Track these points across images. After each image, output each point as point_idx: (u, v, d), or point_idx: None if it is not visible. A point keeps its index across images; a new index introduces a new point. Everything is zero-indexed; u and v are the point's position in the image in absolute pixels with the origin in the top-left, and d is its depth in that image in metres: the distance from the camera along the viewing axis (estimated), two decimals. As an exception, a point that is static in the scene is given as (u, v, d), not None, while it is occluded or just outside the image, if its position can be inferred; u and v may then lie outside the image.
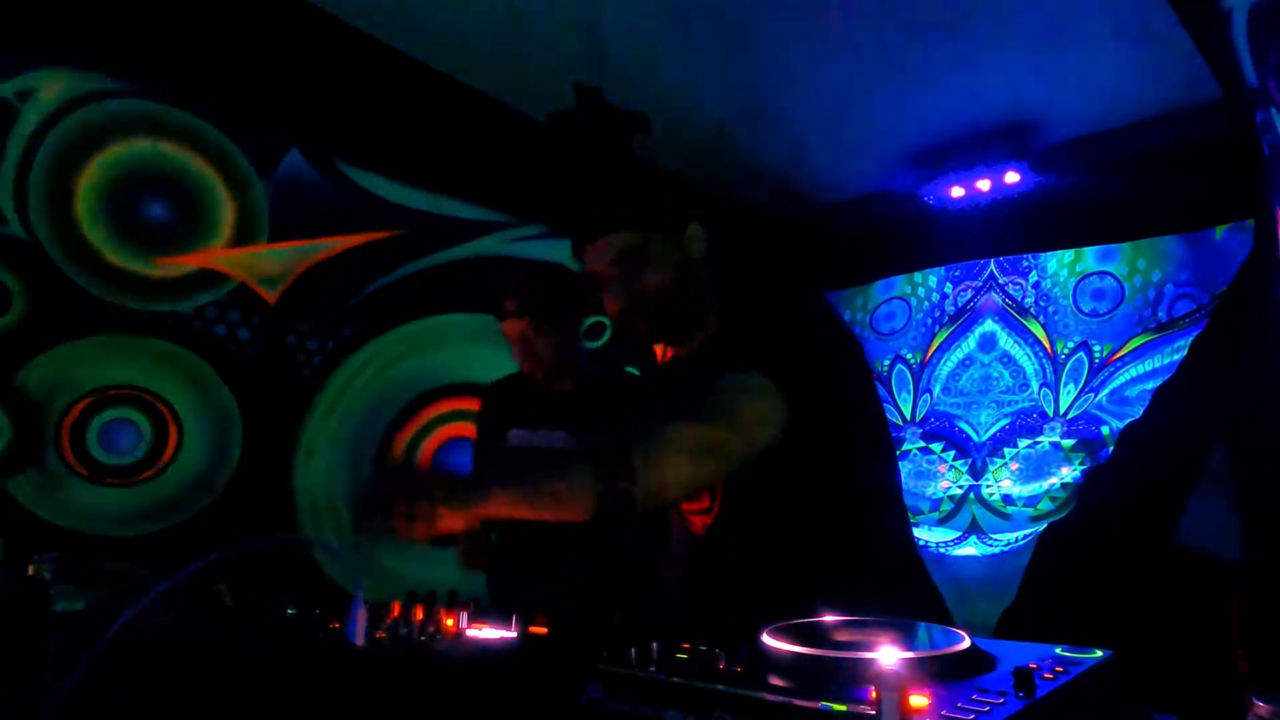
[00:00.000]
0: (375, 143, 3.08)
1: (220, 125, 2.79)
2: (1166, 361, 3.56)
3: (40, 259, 2.53)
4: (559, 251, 3.82)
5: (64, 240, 2.57)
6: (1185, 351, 3.51)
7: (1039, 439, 3.88)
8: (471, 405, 3.49)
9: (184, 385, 2.83)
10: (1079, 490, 3.73)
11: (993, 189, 3.76)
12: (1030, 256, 4.06)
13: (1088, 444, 3.75)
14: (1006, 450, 3.98)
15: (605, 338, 4.09)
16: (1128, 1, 2.70)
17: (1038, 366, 3.97)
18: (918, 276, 4.46)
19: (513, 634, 1.16)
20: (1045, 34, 2.91)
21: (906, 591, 1.57)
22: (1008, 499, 3.91)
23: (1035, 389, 3.96)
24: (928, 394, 4.32)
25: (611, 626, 1.23)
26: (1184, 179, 3.34)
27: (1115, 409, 3.69)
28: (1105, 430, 3.70)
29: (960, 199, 3.87)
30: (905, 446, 4.32)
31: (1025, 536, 3.79)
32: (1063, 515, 3.74)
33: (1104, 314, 3.78)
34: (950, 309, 4.32)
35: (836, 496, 1.55)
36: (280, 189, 2.95)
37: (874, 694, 0.71)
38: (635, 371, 2.85)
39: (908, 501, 2.52)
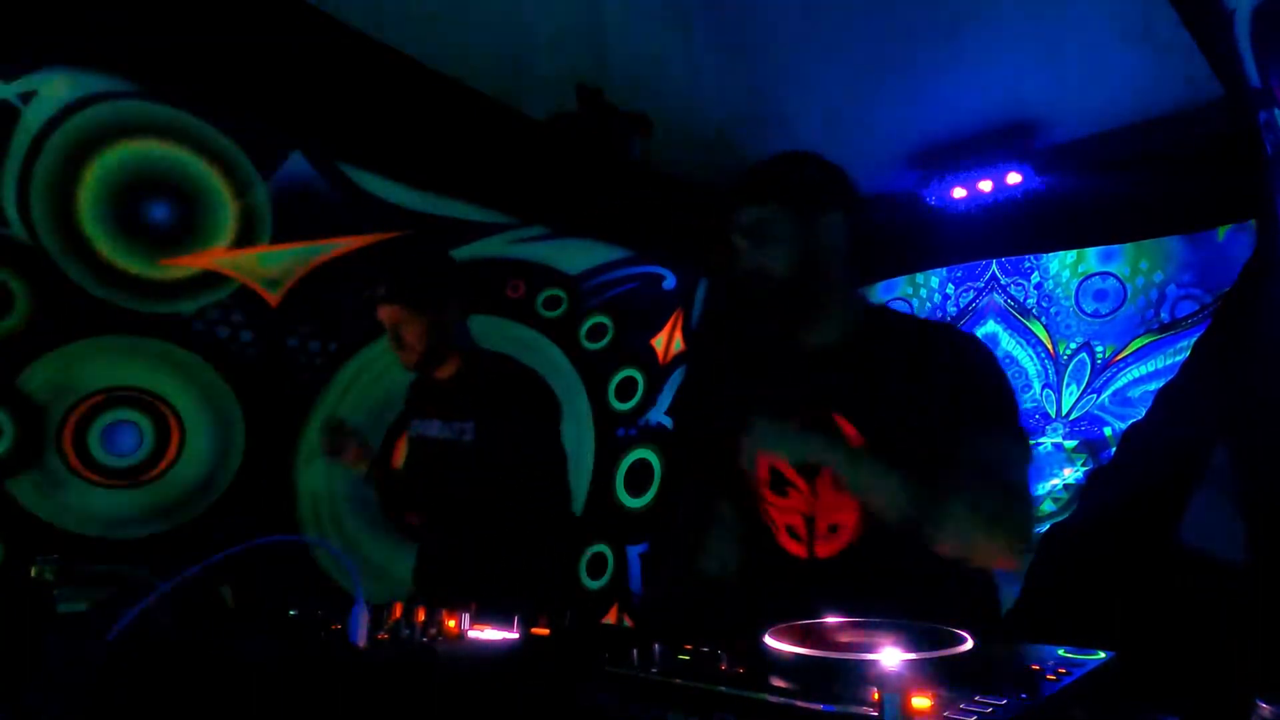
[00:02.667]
0: (377, 144, 3.08)
1: (222, 127, 2.79)
2: (1169, 362, 3.56)
3: (42, 261, 2.53)
4: (559, 252, 3.84)
5: (66, 242, 2.57)
6: (1188, 352, 3.51)
7: (1041, 440, 3.88)
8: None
9: (186, 387, 2.83)
10: (1081, 491, 3.72)
11: (995, 190, 3.76)
12: (1032, 257, 4.05)
13: (1090, 445, 3.74)
14: (1008, 451, 3.97)
15: (606, 340, 4.09)
16: (1129, 2, 2.70)
17: (1040, 367, 3.97)
18: (919, 277, 4.46)
19: (515, 635, 1.16)
20: (1047, 35, 2.91)
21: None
22: (1010, 500, 3.90)
23: (1037, 390, 3.96)
24: (929, 395, 4.31)
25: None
26: (1186, 179, 3.34)
27: (1118, 410, 3.69)
28: (1108, 431, 3.70)
29: (962, 200, 3.87)
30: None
31: (1027, 537, 3.79)
32: (1065, 516, 3.74)
33: (1106, 315, 3.78)
34: (952, 310, 4.32)
35: None
36: (282, 191, 2.95)
37: (876, 695, 0.71)
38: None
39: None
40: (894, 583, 1.40)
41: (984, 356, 1.55)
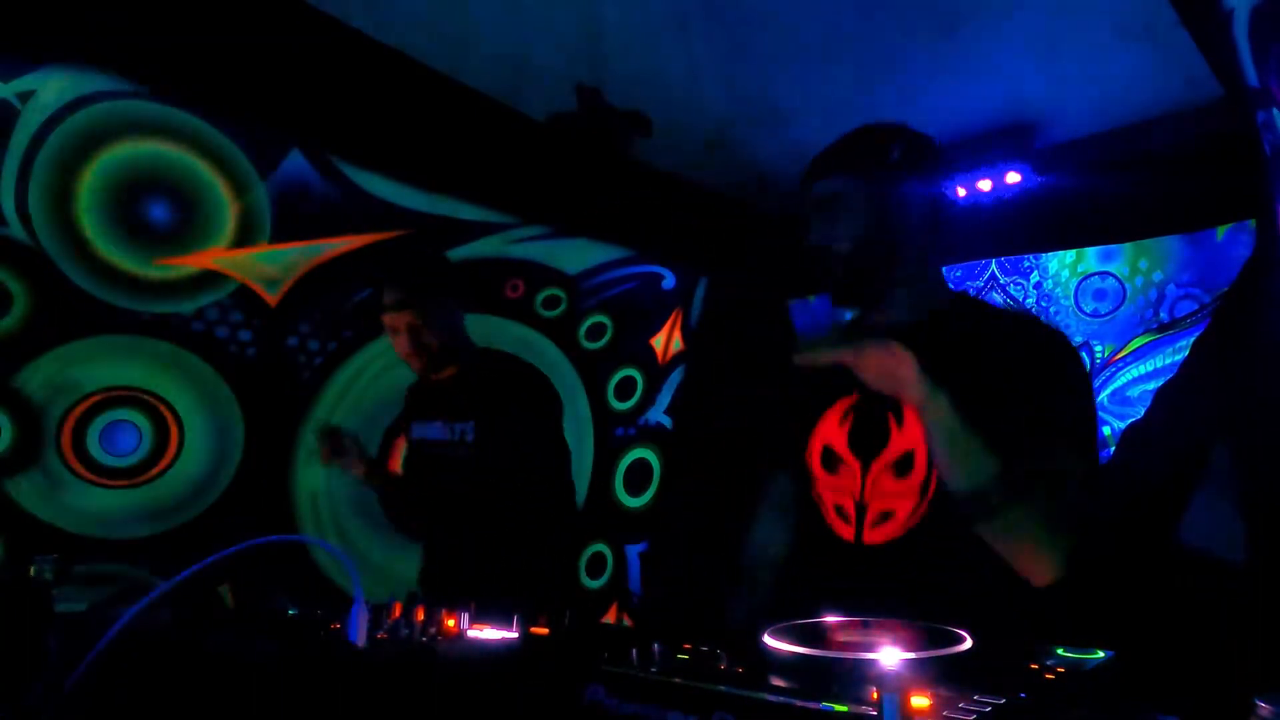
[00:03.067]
0: (376, 144, 3.08)
1: (221, 126, 2.79)
2: (1168, 362, 3.56)
3: (41, 260, 2.53)
4: (559, 251, 3.84)
5: (65, 241, 2.57)
6: (1187, 352, 3.51)
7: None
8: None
9: (185, 387, 2.83)
10: (1080, 491, 3.72)
11: (994, 189, 3.76)
12: (1032, 257, 4.05)
13: (1089, 444, 3.74)
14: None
15: (605, 340, 4.09)
16: (1129, 1, 2.70)
17: (1039, 367, 3.96)
18: (919, 277, 4.46)
19: (514, 635, 1.16)
20: (1046, 34, 2.91)
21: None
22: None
23: (1036, 389, 3.95)
24: (929, 394, 4.31)
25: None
26: (1185, 179, 3.34)
27: (1117, 409, 3.69)
28: (1107, 431, 3.69)
29: (961, 199, 3.87)
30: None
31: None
32: (1064, 516, 3.74)
33: (1106, 314, 3.78)
34: (951, 309, 4.32)
35: None
36: (281, 190, 2.95)
37: (875, 695, 0.71)
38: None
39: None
40: (943, 580, 1.36)
41: (1069, 358, 1.46)
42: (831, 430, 1.54)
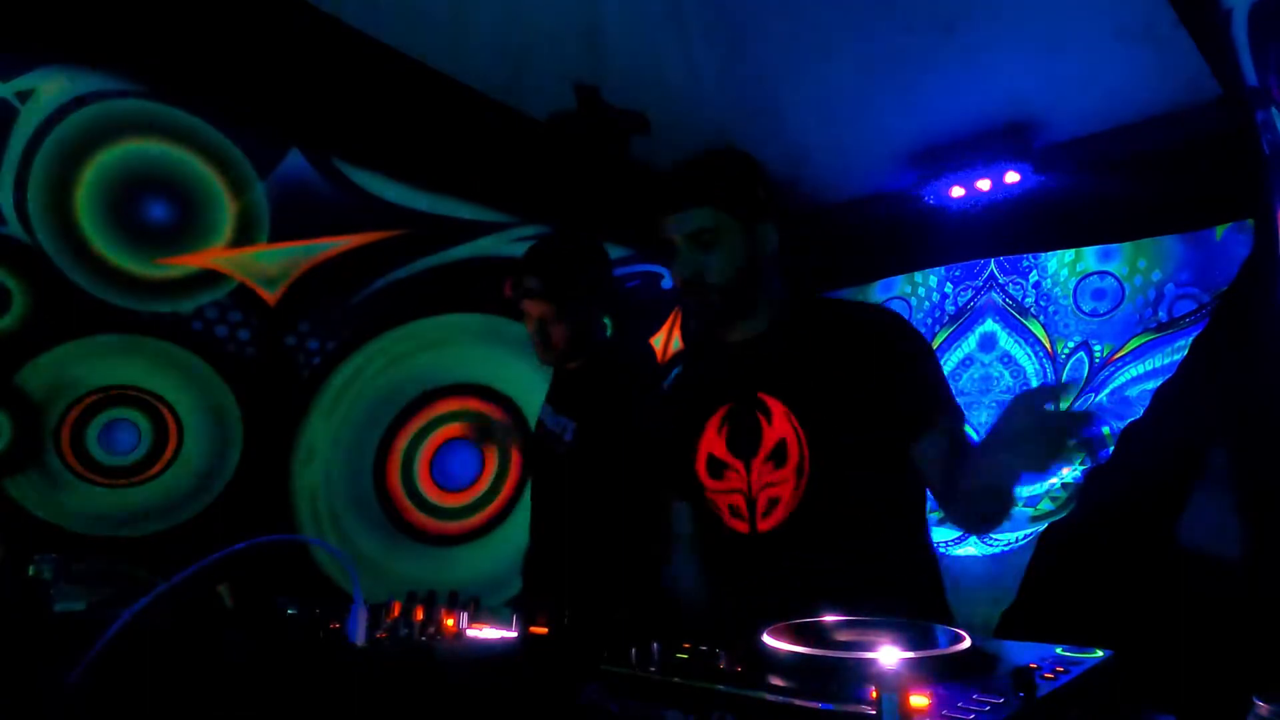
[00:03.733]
0: (375, 143, 3.08)
1: (220, 125, 2.79)
2: (1167, 361, 3.56)
3: (40, 259, 2.53)
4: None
5: (64, 240, 2.57)
6: (1186, 351, 3.51)
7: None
8: (471, 405, 3.50)
9: (184, 385, 2.83)
10: (1079, 490, 3.72)
11: (993, 189, 3.76)
12: (1030, 256, 4.05)
13: (1088, 444, 3.74)
14: (1007, 450, 3.97)
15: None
16: (1128, 1, 2.70)
17: (1038, 366, 3.97)
18: (918, 276, 4.46)
19: (513, 634, 1.16)
20: (1045, 33, 2.91)
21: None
22: (1008, 499, 3.90)
23: (1035, 389, 3.95)
24: (928, 394, 4.31)
25: (617, 624, 1.23)
26: (1184, 179, 3.34)
27: (1116, 409, 3.69)
28: (1105, 430, 3.70)
29: (960, 199, 3.87)
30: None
31: (1025, 536, 3.79)
32: (1063, 515, 3.74)
33: (1104, 314, 3.78)
34: (950, 309, 4.32)
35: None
36: (280, 189, 2.95)
37: (874, 694, 0.71)
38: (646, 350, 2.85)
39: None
40: (835, 552, 1.51)
41: (911, 338, 1.62)
42: (712, 440, 1.66)
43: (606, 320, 2.37)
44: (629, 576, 2.28)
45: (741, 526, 1.60)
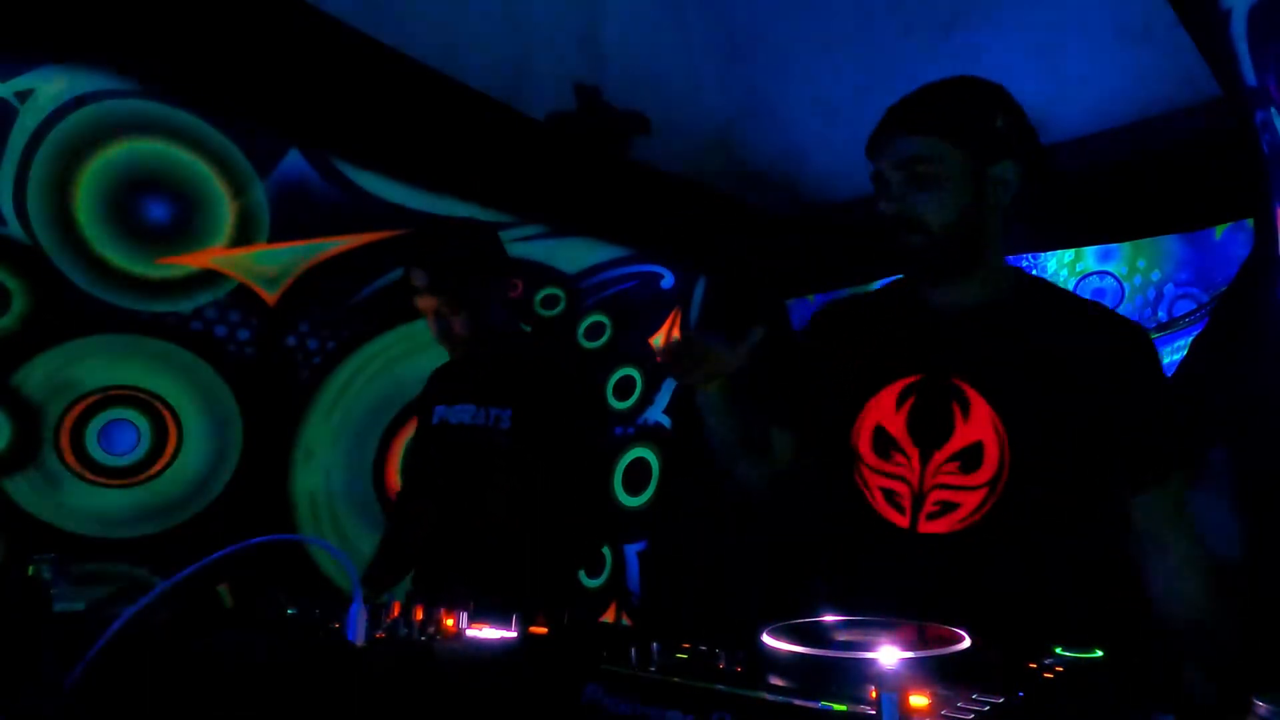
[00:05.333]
0: (375, 143, 3.08)
1: (220, 126, 2.79)
2: (1167, 361, 3.56)
3: (39, 259, 2.53)
4: (557, 251, 3.84)
5: (63, 240, 2.57)
6: (1186, 351, 3.51)
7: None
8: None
9: (183, 386, 2.83)
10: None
11: (992, 189, 3.76)
12: (1030, 256, 4.05)
13: None
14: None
15: (604, 339, 4.09)
16: (1128, 1, 2.70)
17: (1038, 366, 3.97)
18: (917, 276, 4.46)
19: (513, 634, 1.16)
20: (1044, 34, 2.91)
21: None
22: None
23: (1035, 389, 3.95)
24: (928, 394, 4.31)
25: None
26: (1183, 178, 3.34)
27: (1115, 409, 3.69)
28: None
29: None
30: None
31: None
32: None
33: (1104, 314, 3.78)
34: (950, 309, 4.32)
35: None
36: (280, 189, 2.95)
37: (874, 694, 0.71)
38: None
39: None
40: (1010, 576, 1.33)
41: (1147, 352, 1.40)
42: (887, 412, 1.44)
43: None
44: (566, 566, 2.27)
45: (898, 519, 1.41)
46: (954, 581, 1.34)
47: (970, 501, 1.35)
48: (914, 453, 1.41)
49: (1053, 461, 1.33)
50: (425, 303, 2.15)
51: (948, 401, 1.39)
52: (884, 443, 1.44)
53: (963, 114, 1.38)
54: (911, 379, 1.44)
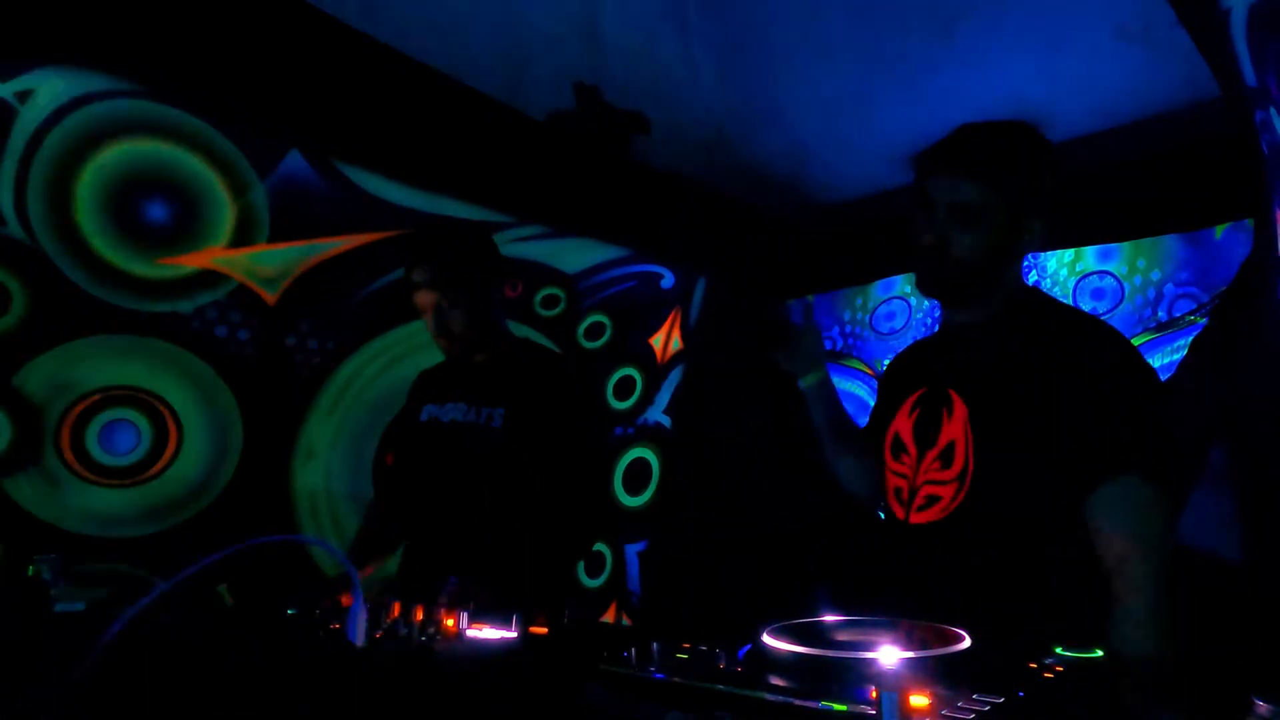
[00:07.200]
0: (375, 143, 3.08)
1: (220, 126, 2.79)
2: (1167, 361, 3.56)
3: (39, 259, 2.53)
4: (557, 251, 3.84)
5: (63, 241, 2.57)
6: (1185, 351, 3.51)
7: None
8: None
9: (184, 386, 2.83)
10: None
11: (992, 189, 3.76)
12: (1030, 255, 4.05)
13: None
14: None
15: (604, 339, 4.09)
16: (1128, 1, 2.70)
17: (1038, 366, 3.97)
18: (918, 276, 4.45)
19: (513, 634, 1.16)
20: (1044, 33, 2.91)
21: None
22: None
23: (1035, 389, 3.95)
24: (928, 394, 4.31)
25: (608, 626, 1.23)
26: (1183, 178, 3.34)
27: (1115, 408, 3.69)
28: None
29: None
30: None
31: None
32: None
33: (1104, 313, 3.78)
34: (950, 309, 4.32)
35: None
36: (280, 189, 2.94)
37: (874, 694, 0.71)
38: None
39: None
40: (981, 564, 1.42)
41: (1129, 358, 1.51)
42: (902, 420, 1.63)
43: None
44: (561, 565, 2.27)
45: (899, 512, 1.58)
46: (937, 567, 1.48)
47: (947, 494, 1.49)
48: (914, 453, 1.58)
49: (1013, 457, 1.42)
50: (425, 299, 2.15)
51: (940, 408, 1.55)
52: (897, 446, 1.63)
53: (1020, 169, 1.51)
54: (921, 390, 1.62)
